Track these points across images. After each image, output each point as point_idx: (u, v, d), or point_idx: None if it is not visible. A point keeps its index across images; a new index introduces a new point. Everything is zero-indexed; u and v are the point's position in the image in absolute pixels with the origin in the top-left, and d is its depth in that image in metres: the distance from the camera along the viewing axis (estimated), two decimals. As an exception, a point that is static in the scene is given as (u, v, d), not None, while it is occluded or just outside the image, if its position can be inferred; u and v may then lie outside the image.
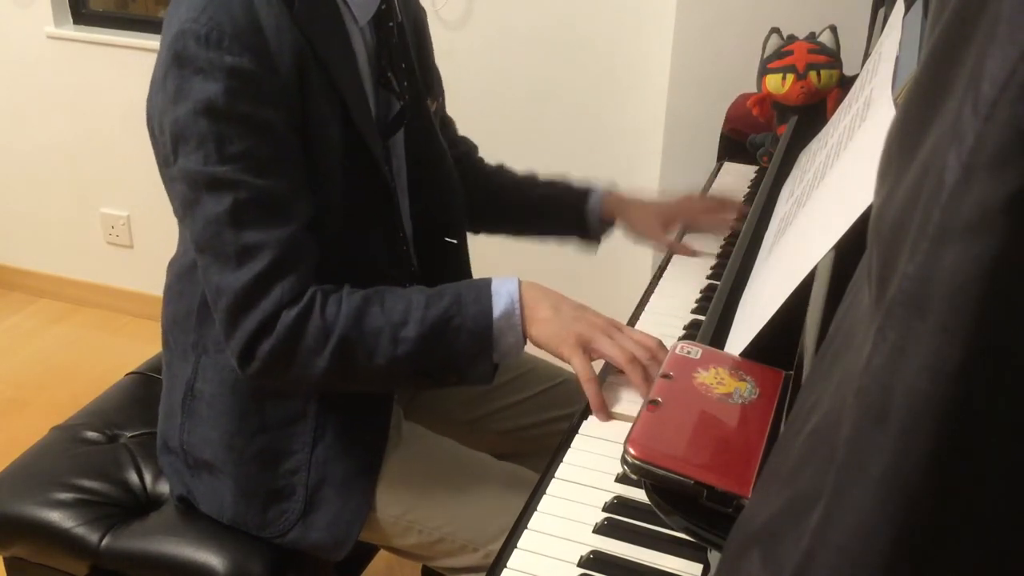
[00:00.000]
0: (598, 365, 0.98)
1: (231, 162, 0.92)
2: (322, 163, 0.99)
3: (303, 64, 0.95)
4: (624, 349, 0.96)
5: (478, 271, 1.31)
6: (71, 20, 2.44)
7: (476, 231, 1.36)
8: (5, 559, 1.22)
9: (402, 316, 0.96)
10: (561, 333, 0.96)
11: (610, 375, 0.99)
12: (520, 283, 0.99)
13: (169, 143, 0.94)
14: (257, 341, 0.95)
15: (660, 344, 0.98)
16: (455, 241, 1.23)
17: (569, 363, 0.97)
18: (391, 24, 1.08)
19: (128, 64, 2.34)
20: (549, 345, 0.97)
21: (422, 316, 0.95)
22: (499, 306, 0.97)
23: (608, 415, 0.94)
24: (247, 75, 0.91)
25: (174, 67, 0.92)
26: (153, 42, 2.30)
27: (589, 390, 0.95)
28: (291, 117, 0.95)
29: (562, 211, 1.33)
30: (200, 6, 0.91)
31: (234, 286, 0.94)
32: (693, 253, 1.31)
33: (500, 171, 1.38)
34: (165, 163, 0.98)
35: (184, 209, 0.97)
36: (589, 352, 0.96)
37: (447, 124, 1.34)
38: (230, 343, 0.97)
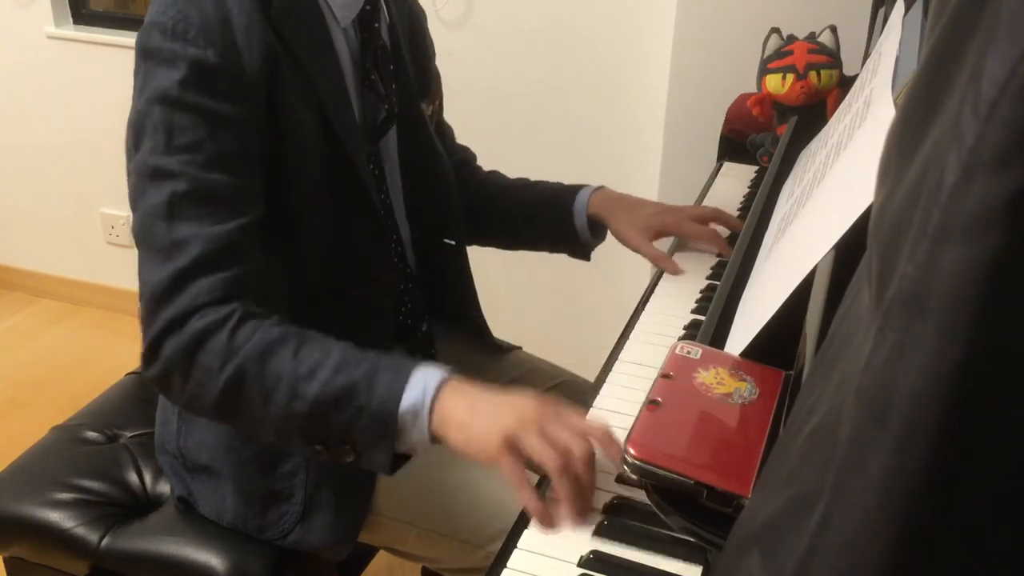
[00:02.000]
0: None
1: (178, 153, 0.89)
2: (298, 163, 0.97)
3: (274, 63, 0.94)
4: (553, 452, 0.79)
5: (477, 277, 1.30)
6: (71, 20, 2.44)
7: (470, 242, 1.32)
8: (5, 559, 1.22)
9: (309, 370, 0.86)
10: (482, 438, 0.82)
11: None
12: (443, 381, 0.87)
13: (131, 138, 0.93)
14: (163, 338, 0.88)
15: (607, 433, 0.82)
16: (453, 242, 1.23)
17: (500, 470, 0.82)
18: (377, 25, 1.07)
19: (128, 64, 2.33)
20: (474, 455, 0.83)
21: (328, 378, 0.86)
22: (409, 397, 0.85)
23: (552, 523, 0.80)
24: (209, 68, 0.90)
25: (141, 60, 0.92)
26: (153, 42, 2.30)
27: (524, 498, 0.80)
28: (254, 115, 0.93)
29: (550, 211, 1.29)
30: (171, 0, 0.91)
31: (155, 279, 0.89)
32: (677, 271, 1.23)
33: (491, 177, 1.36)
34: (128, 159, 0.95)
35: (131, 201, 0.93)
36: (519, 455, 0.81)
37: (444, 131, 1.33)
38: (143, 341, 0.91)
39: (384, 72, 1.09)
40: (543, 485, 0.87)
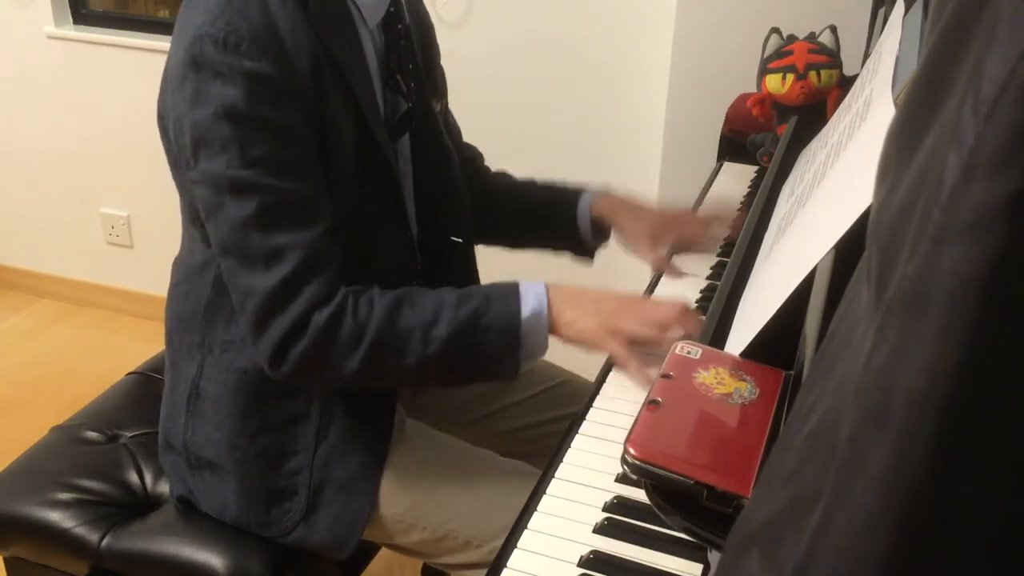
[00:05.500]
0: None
1: (254, 166, 0.92)
2: (336, 164, 0.99)
3: (319, 66, 0.96)
4: (649, 327, 0.97)
5: (481, 274, 1.31)
6: (71, 20, 2.43)
7: (476, 241, 1.33)
8: (5, 559, 1.22)
9: (433, 315, 0.97)
10: (590, 328, 0.99)
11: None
12: (547, 287, 1.01)
13: (189, 146, 0.95)
14: (289, 343, 0.95)
15: (685, 306, 0.99)
16: (460, 240, 1.23)
17: (607, 353, 0.99)
18: (400, 26, 1.09)
19: (128, 64, 2.34)
20: (581, 343, 1.00)
21: (453, 315, 0.97)
22: (528, 307, 0.99)
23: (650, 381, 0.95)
24: (266, 79, 0.91)
25: (191, 71, 0.92)
26: (153, 42, 2.30)
27: (629, 371, 0.96)
28: (309, 118, 0.95)
29: (554, 213, 1.31)
30: (217, 10, 0.91)
31: (264, 288, 0.94)
32: (680, 275, 1.27)
33: (498, 177, 1.37)
34: (185, 166, 0.98)
35: (207, 212, 0.97)
36: (622, 339, 0.97)
37: (452, 129, 1.34)
38: (259, 345, 0.96)
39: (405, 71, 1.11)
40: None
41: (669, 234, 1.27)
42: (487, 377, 1.01)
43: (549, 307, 0.99)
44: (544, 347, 1.01)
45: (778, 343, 0.82)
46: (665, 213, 1.30)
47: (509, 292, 1.00)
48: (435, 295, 0.99)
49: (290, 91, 0.93)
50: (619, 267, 2.15)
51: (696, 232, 1.29)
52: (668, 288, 1.24)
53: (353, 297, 0.96)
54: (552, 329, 1.00)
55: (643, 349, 0.98)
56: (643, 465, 0.71)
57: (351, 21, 1.02)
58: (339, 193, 1.00)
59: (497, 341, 0.98)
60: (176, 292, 1.14)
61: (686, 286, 1.24)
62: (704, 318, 0.94)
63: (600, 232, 1.31)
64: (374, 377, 1.00)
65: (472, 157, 1.38)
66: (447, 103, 1.29)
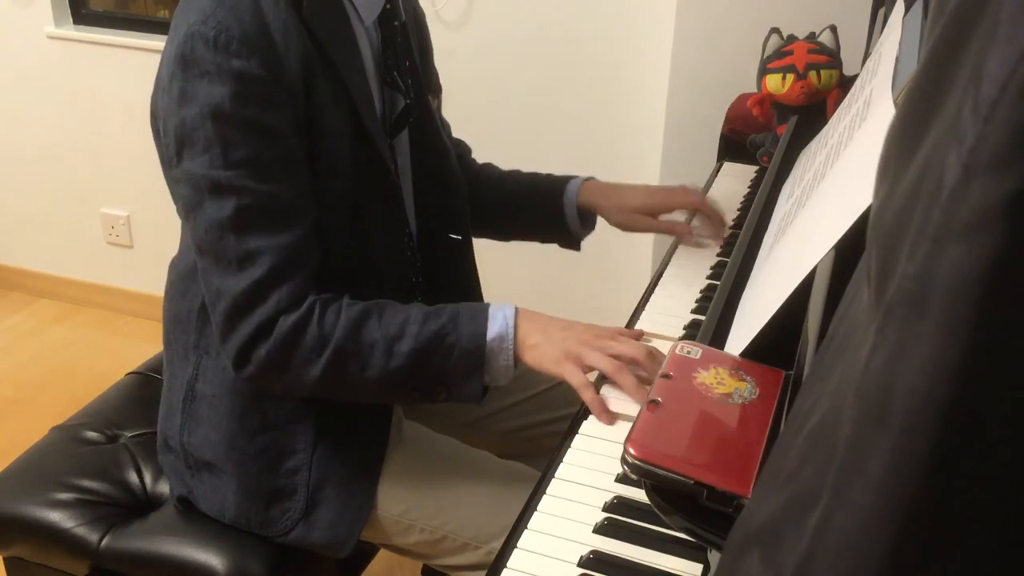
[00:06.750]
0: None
1: (235, 167, 0.92)
2: (330, 163, 0.99)
3: (310, 66, 0.96)
4: (610, 360, 0.96)
5: (480, 271, 1.31)
6: (71, 20, 2.44)
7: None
8: (5, 559, 1.22)
9: (398, 330, 0.97)
10: (551, 354, 0.98)
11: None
12: (517, 311, 1.00)
13: (173, 144, 0.95)
14: (253, 345, 0.96)
15: (651, 350, 0.98)
16: (459, 237, 1.23)
17: (564, 379, 0.98)
18: (396, 23, 1.09)
19: (128, 64, 2.34)
20: (542, 368, 0.99)
21: (418, 331, 0.97)
22: (493, 329, 0.98)
23: (611, 417, 0.94)
24: (254, 79, 0.91)
25: (179, 69, 0.92)
26: (153, 42, 2.30)
27: (586, 396, 0.95)
28: (297, 120, 0.95)
29: (541, 202, 1.32)
30: (209, 9, 0.91)
31: (233, 290, 0.95)
32: (697, 242, 1.30)
33: (485, 169, 1.38)
34: (169, 164, 0.99)
35: (186, 211, 0.98)
36: (581, 366, 0.97)
37: (444, 126, 1.34)
38: (226, 345, 0.98)
39: (403, 68, 1.11)
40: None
41: (654, 206, 1.29)
42: (451, 396, 1.00)
43: (515, 331, 0.99)
44: (509, 370, 0.99)
45: (778, 343, 0.82)
46: (652, 188, 1.32)
47: (477, 313, 0.99)
48: (404, 309, 0.99)
49: (278, 92, 0.93)
50: (619, 268, 2.16)
51: (688, 201, 1.30)
52: (668, 288, 1.24)
53: (321, 305, 0.96)
54: (516, 354, 0.99)
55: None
56: (643, 465, 0.71)
57: (347, 19, 1.02)
58: (335, 192, 1.00)
59: (460, 361, 0.97)
60: (172, 292, 1.14)
61: (686, 286, 1.24)
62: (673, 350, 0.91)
63: (587, 220, 1.33)
64: (337, 386, 0.99)
65: (461, 153, 1.38)
66: (440, 101, 1.29)
